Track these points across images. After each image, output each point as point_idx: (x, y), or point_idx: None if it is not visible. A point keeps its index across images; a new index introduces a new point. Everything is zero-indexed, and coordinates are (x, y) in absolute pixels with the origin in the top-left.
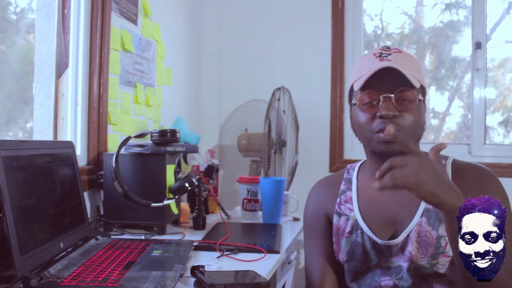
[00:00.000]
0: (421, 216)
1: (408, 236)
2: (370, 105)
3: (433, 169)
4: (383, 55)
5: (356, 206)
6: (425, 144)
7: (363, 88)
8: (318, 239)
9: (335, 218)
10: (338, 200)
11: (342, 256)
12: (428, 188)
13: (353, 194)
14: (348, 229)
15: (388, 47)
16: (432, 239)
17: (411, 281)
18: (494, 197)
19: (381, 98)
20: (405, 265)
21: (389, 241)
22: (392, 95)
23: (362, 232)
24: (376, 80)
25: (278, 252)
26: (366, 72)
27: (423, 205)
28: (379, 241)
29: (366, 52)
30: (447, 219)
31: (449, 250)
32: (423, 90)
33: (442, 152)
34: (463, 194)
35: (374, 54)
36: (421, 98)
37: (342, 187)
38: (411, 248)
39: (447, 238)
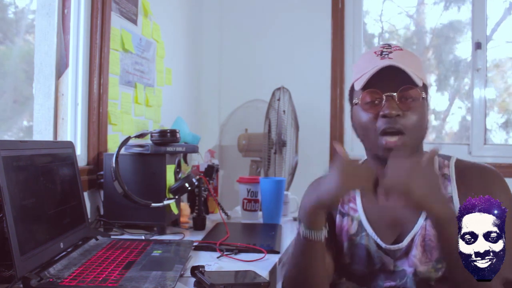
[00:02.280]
0: (426, 219)
1: (412, 240)
2: (373, 104)
3: (425, 176)
4: (384, 53)
5: (360, 206)
6: (426, 145)
7: (365, 87)
8: None
9: (338, 218)
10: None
11: (345, 258)
12: (416, 197)
13: (357, 193)
14: (353, 230)
15: (389, 45)
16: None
17: (416, 286)
18: (499, 197)
19: (384, 97)
20: (409, 270)
21: (394, 246)
22: (395, 94)
23: (367, 234)
24: (378, 79)
25: (278, 252)
26: (367, 71)
27: None
28: (383, 244)
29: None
30: (437, 228)
31: None
32: (425, 89)
33: (444, 152)
34: (468, 195)
35: (375, 52)
36: (424, 96)
37: None
38: (415, 252)
39: None
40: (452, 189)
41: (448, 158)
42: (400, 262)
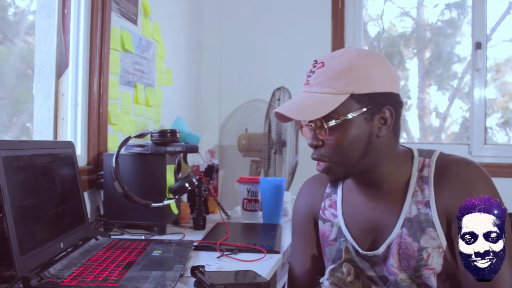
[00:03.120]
0: (402, 227)
1: (389, 247)
2: (304, 131)
3: None
4: (309, 74)
5: (340, 212)
6: (426, 145)
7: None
8: (306, 241)
9: (320, 224)
10: (322, 204)
11: (327, 264)
12: None
13: (338, 198)
14: (332, 236)
15: (315, 61)
16: (414, 252)
17: None
18: (481, 193)
19: (309, 127)
20: (391, 278)
21: (370, 252)
22: (313, 124)
23: (346, 240)
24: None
25: (278, 252)
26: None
27: (404, 213)
28: (360, 250)
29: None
30: None
31: (431, 263)
32: (361, 99)
33: (434, 148)
34: (445, 199)
35: (307, 74)
36: (346, 116)
37: (328, 189)
38: (392, 261)
39: (429, 250)
40: (429, 193)
41: (430, 155)
42: (378, 268)
